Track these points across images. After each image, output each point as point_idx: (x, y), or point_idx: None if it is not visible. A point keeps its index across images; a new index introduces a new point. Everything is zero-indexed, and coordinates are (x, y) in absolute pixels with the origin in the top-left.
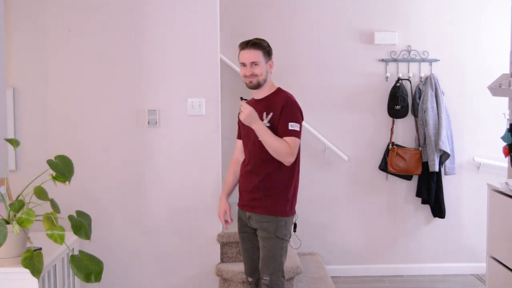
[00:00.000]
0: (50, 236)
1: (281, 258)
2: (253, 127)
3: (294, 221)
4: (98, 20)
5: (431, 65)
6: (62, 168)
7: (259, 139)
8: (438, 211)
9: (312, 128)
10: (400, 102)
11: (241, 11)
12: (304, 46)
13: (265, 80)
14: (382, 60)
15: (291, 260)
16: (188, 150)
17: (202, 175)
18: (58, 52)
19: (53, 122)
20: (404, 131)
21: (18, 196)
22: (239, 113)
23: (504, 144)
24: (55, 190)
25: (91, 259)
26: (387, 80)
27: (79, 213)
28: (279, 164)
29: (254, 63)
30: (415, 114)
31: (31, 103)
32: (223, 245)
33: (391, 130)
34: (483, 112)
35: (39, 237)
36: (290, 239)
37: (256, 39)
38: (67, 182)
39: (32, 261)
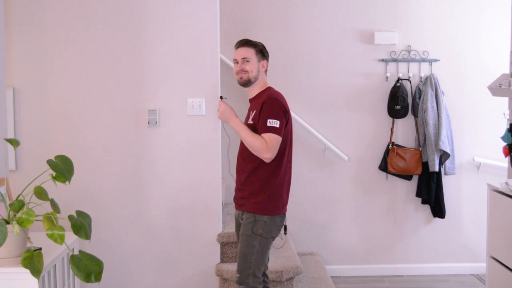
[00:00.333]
0: (50, 236)
1: (252, 257)
2: (230, 124)
3: (284, 223)
4: (98, 20)
5: (431, 65)
6: (62, 168)
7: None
8: (438, 211)
9: (312, 128)
10: (400, 102)
11: (241, 11)
12: (304, 46)
13: (256, 78)
14: (382, 60)
15: (291, 260)
16: (188, 150)
17: (202, 175)
18: (58, 52)
19: (53, 122)
20: (404, 131)
21: (18, 196)
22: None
23: (504, 144)
24: (55, 190)
25: (91, 259)
26: (387, 80)
27: (79, 213)
28: (262, 160)
29: (245, 59)
30: (415, 114)
31: (31, 103)
32: (223, 245)
33: (391, 130)
34: (483, 112)
35: (39, 237)
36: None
37: (251, 40)
38: (67, 182)
39: (32, 261)
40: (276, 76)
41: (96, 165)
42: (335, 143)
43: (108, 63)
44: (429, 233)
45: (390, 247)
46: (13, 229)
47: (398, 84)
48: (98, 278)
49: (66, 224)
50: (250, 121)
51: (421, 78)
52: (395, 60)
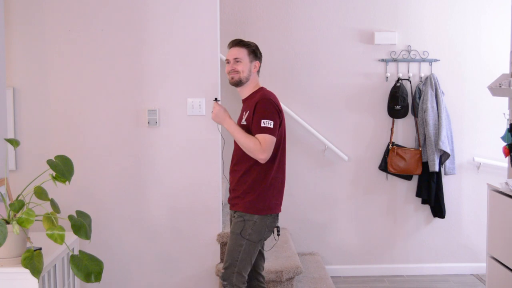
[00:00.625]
0: (50, 236)
1: (238, 256)
2: (225, 126)
3: (276, 224)
4: (98, 20)
5: (431, 65)
6: (62, 168)
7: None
8: (438, 211)
9: (312, 128)
10: (400, 102)
11: (241, 11)
12: (304, 46)
13: (247, 79)
14: (382, 60)
15: (291, 260)
16: (188, 150)
17: (202, 175)
18: (58, 52)
19: (53, 122)
20: (404, 131)
21: (18, 196)
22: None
23: (504, 144)
24: (55, 190)
25: (91, 259)
26: (387, 80)
27: (79, 213)
28: (255, 161)
29: (237, 60)
30: (415, 114)
31: (31, 103)
32: (223, 245)
33: (391, 130)
34: (483, 112)
35: (39, 237)
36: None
37: (244, 40)
38: (67, 182)
39: (32, 261)
40: (276, 76)
41: (96, 165)
42: (335, 143)
43: (108, 63)
44: (429, 233)
45: (390, 247)
46: (13, 229)
47: (398, 84)
48: (98, 278)
49: (66, 224)
50: (244, 122)
51: (421, 78)
52: (395, 60)
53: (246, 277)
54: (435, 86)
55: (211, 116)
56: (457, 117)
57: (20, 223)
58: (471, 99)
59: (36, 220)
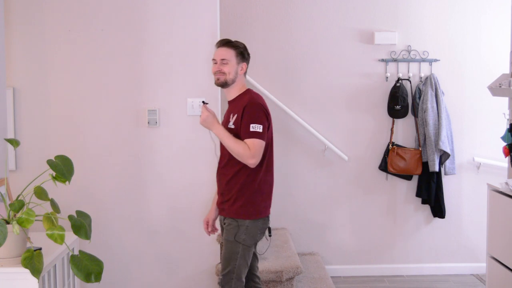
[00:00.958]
0: (50, 236)
1: (236, 262)
2: (213, 131)
3: (267, 225)
4: (98, 20)
5: (431, 65)
6: (62, 168)
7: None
8: (438, 211)
9: (312, 128)
10: (400, 102)
11: (241, 11)
12: (304, 46)
13: (233, 81)
14: (382, 60)
15: (291, 260)
16: (188, 150)
17: (202, 175)
18: (58, 52)
19: (53, 122)
20: (404, 131)
21: (18, 196)
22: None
23: (504, 144)
24: (55, 190)
25: (91, 259)
26: (387, 80)
27: (79, 213)
28: (243, 165)
29: (224, 61)
30: (415, 114)
31: (31, 103)
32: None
33: (391, 130)
34: (483, 112)
35: (39, 237)
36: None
37: (233, 40)
38: (67, 182)
39: (32, 261)
40: (276, 76)
41: (96, 165)
42: (335, 143)
43: (108, 63)
44: (429, 233)
45: (390, 247)
46: (13, 229)
47: (398, 84)
48: (98, 278)
49: (66, 224)
50: (232, 125)
51: (421, 78)
52: (395, 60)
53: (244, 281)
54: (435, 86)
55: (200, 121)
56: (457, 117)
57: (20, 223)
58: (471, 99)
59: (36, 220)
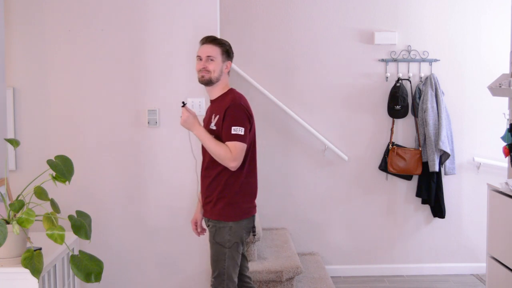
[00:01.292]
0: (50, 236)
1: (224, 263)
2: (194, 132)
3: (253, 224)
4: (98, 20)
5: (431, 65)
6: (62, 168)
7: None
8: (438, 211)
9: (312, 128)
10: (400, 102)
11: (241, 11)
12: (304, 46)
13: (217, 79)
14: (382, 60)
15: (291, 260)
16: (188, 150)
17: None
18: (58, 52)
19: (53, 122)
20: (404, 131)
21: (18, 196)
22: None
23: (504, 144)
24: (55, 190)
25: (91, 259)
26: (387, 80)
27: (79, 213)
28: (224, 167)
29: (209, 58)
30: (415, 114)
31: (31, 103)
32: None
33: (391, 130)
34: (483, 112)
35: (39, 237)
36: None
37: (218, 38)
38: (67, 182)
39: (32, 261)
40: (276, 76)
41: (96, 165)
42: (335, 143)
43: (108, 63)
44: (429, 233)
45: (390, 247)
46: (13, 229)
47: (398, 84)
48: (98, 278)
49: (66, 224)
50: (213, 127)
51: (421, 78)
52: (395, 60)
53: (237, 280)
54: (435, 86)
55: (180, 122)
56: (457, 117)
57: (20, 223)
58: (471, 99)
59: (36, 220)
